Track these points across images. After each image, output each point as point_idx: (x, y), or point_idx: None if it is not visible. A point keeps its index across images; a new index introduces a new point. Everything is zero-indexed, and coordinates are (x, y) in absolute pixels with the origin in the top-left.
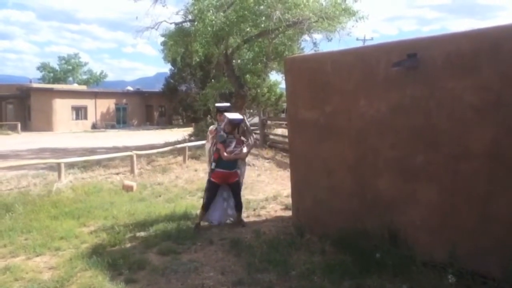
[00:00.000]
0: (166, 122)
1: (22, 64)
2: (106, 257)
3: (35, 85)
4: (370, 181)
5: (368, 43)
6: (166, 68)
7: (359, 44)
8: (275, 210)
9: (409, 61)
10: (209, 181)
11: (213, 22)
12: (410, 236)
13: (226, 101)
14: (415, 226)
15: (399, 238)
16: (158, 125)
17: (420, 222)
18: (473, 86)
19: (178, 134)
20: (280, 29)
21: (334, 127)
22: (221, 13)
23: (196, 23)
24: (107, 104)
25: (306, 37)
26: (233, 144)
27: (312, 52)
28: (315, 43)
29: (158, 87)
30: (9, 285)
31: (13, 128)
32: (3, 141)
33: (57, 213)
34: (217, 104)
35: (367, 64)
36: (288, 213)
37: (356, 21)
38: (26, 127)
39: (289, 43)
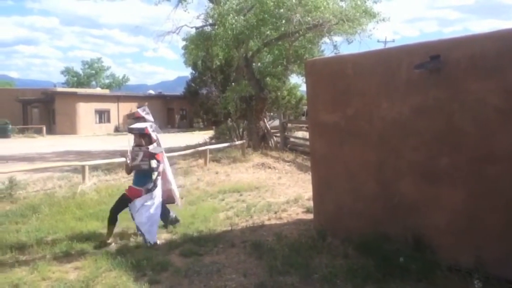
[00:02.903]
0: (187, 125)
1: (47, 68)
2: (130, 258)
3: (59, 89)
4: (392, 184)
5: (389, 45)
6: (186, 72)
7: (380, 46)
8: (296, 213)
9: (432, 63)
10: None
11: (233, 25)
12: (434, 240)
13: (247, 104)
14: (439, 230)
15: (423, 242)
16: (179, 128)
17: (445, 226)
18: (497, 88)
19: (199, 137)
20: (300, 32)
21: (356, 129)
22: (241, 17)
23: (216, 27)
24: (130, 108)
25: (326, 39)
26: (139, 157)
27: (333, 54)
28: (335, 45)
29: (179, 90)
30: (37, 285)
31: (39, 132)
32: (29, 144)
33: (82, 214)
34: (130, 126)
35: (389, 66)
36: (310, 216)
37: (377, 22)
38: (50, 131)
39: (309, 45)
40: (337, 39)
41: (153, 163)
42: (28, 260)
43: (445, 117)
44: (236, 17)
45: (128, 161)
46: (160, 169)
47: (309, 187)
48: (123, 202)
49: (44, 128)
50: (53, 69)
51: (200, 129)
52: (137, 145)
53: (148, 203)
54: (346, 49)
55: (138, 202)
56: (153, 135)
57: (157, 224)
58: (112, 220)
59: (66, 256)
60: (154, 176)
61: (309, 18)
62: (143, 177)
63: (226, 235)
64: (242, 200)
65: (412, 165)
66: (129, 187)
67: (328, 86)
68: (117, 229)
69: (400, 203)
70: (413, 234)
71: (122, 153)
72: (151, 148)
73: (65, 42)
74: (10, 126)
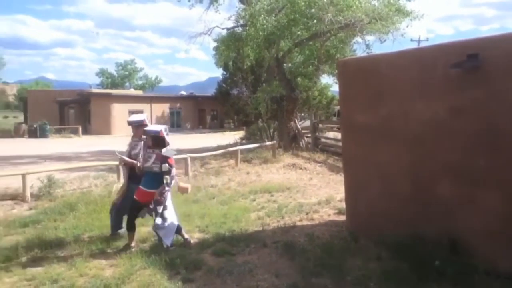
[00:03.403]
0: (218, 125)
1: (82, 70)
2: (163, 256)
3: (94, 90)
4: (427, 186)
5: (422, 44)
6: (217, 73)
7: (413, 45)
8: (328, 214)
9: (470, 62)
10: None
11: (264, 26)
12: (471, 243)
13: (278, 104)
14: (476, 233)
15: (459, 246)
16: (210, 129)
17: (482, 229)
18: None
19: (230, 137)
20: (332, 31)
21: (390, 130)
22: (272, 17)
23: (247, 27)
24: (162, 108)
25: (358, 39)
26: (151, 160)
27: (365, 54)
28: (367, 45)
29: (210, 91)
30: (75, 280)
31: (75, 132)
32: (65, 144)
33: None
34: (129, 119)
35: (424, 66)
36: (342, 217)
37: (411, 20)
38: (86, 131)
39: (341, 45)
40: (369, 38)
41: (165, 167)
42: (66, 257)
43: (483, 117)
44: (267, 18)
45: (139, 164)
46: (173, 173)
47: (341, 188)
48: (136, 207)
49: (80, 128)
50: (88, 70)
51: (231, 129)
52: (150, 147)
53: (168, 207)
54: (379, 49)
55: (159, 207)
56: (167, 138)
57: (175, 228)
58: (131, 227)
59: (102, 253)
60: (165, 180)
61: (341, 18)
62: (154, 181)
63: (257, 235)
64: (273, 200)
65: (448, 167)
66: (138, 188)
67: (361, 86)
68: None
69: (435, 205)
70: (449, 237)
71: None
72: (164, 151)
73: (99, 44)
74: (48, 127)
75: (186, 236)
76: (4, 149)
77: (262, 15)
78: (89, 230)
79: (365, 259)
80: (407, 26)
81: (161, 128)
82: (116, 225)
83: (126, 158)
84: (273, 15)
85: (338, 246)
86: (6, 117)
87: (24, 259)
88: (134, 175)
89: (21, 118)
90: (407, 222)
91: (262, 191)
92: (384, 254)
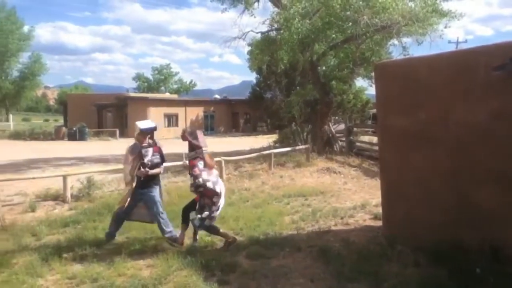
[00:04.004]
0: (251, 129)
1: (119, 74)
2: (199, 258)
3: (131, 94)
4: (468, 193)
5: (461, 46)
6: (251, 77)
7: (451, 47)
8: (363, 219)
9: None
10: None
11: (299, 29)
12: None
13: (312, 108)
14: None
15: (502, 254)
16: (243, 132)
17: None
18: None
19: (263, 141)
20: (368, 34)
21: (429, 134)
22: (307, 21)
23: (281, 31)
24: (196, 112)
25: (394, 41)
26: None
27: (401, 56)
28: (404, 47)
29: (243, 95)
30: (114, 280)
31: (112, 135)
32: (103, 146)
33: None
34: (143, 127)
35: (465, 69)
36: (378, 222)
37: (449, 20)
38: (123, 134)
39: (377, 48)
40: (406, 40)
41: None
42: (105, 256)
43: None
44: (301, 21)
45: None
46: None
47: (377, 193)
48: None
49: (117, 131)
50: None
51: (264, 133)
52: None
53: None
54: (415, 51)
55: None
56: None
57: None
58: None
59: (139, 254)
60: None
61: (376, 20)
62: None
63: (292, 239)
64: (307, 204)
65: (490, 173)
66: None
67: (399, 89)
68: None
69: (477, 212)
70: (491, 244)
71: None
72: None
73: (136, 49)
74: (87, 130)
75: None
76: (45, 151)
77: (297, 19)
78: (126, 231)
79: (402, 265)
80: (445, 27)
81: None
82: (114, 231)
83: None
84: (308, 18)
85: (374, 251)
86: (47, 120)
87: (65, 257)
88: (142, 181)
89: (61, 121)
90: (446, 229)
91: (296, 194)
92: (422, 261)
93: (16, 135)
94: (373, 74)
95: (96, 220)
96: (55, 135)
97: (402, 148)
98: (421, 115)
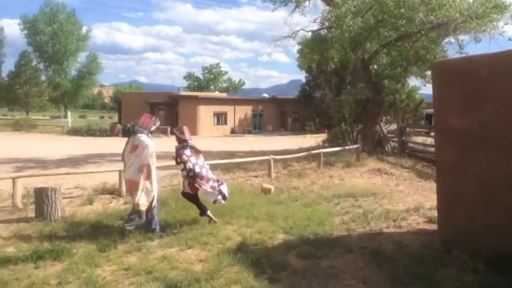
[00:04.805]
0: (299, 128)
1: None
2: (250, 255)
3: (182, 93)
4: None
5: None
6: (299, 75)
7: None
8: (417, 222)
9: None
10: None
11: (351, 27)
12: None
13: (363, 107)
14: None
15: None
16: (291, 131)
17: None
18: None
19: (311, 140)
20: (422, 31)
21: (491, 136)
22: (359, 18)
23: (333, 29)
24: (245, 111)
25: (450, 39)
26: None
27: (457, 55)
28: (461, 45)
29: (291, 93)
30: (167, 273)
31: (164, 132)
32: (155, 143)
33: None
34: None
35: None
36: (432, 226)
37: (511, 16)
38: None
39: (432, 46)
40: (463, 38)
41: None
42: (159, 250)
43: None
44: (353, 19)
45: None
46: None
47: (431, 196)
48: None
49: (169, 129)
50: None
51: (312, 132)
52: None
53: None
54: (473, 49)
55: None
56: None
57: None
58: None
59: (191, 249)
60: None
61: (432, 17)
62: None
63: (343, 240)
64: (357, 205)
65: None
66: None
67: (458, 89)
68: (236, 225)
69: None
70: None
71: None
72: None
73: (186, 49)
74: None
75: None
76: (101, 147)
77: (349, 17)
78: (179, 225)
79: (459, 271)
80: (506, 24)
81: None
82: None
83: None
84: (360, 16)
85: (429, 256)
86: (102, 117)
87: (120, 249)
88: None
89: (115, 118)
90: (509, 234)
91: (346, 195)
92: (480, 267)
93: (74, 132)
94: (427, 73)
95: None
96: (110, 132)
97: (461, 150)
98: (483, 115)
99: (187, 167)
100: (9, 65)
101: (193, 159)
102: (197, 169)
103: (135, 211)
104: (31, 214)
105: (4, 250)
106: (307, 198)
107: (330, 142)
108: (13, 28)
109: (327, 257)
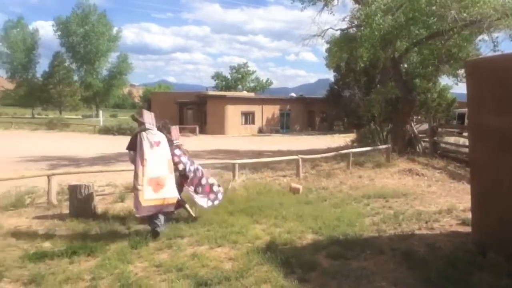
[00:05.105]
0: (327, 127)
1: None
2: (279, 254)
3: (210, 92)
4: None
5: None
6: (327, 74)
7: None
8: (450, 224)
9: None
10: None
11: (381, 26)
12: None
13: (393, 107)
14: None
15: None
16: (319, 131)
17: None
18: None
19: (339, 140)
20: (455, 29)
21: None
22: (389, 16)
23: (362, 28)
24: (272, 110)
25: (484, 36)
26: None
27: (491, 53)
28: (495, 43)
29: (319, 93)
30: (197, 270)
31: (192, 131)
32: (184, 142)
33: (233, 209)
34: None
35: None
36: (466, 228)
37: None
38: (202, 130)
39: (464, 44)
40: (498, 35)
41: None
42: (189, 247)
43: None
44: (383, 17)
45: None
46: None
47: (464, 197)
48: None
49: (197, 128)
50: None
51: (340, 132)
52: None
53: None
54: (508, 47)
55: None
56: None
57: None
58: None
59: (220, 247)
60: None
61: (465, 15)
62: None
63: (373, 241)
64: (388, 206)
65: None
66: None
67: (494, 87)
68: (265, 224)
69: None
70: None
71: None
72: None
73: (214, 49)
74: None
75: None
76: None
77: (379, 15)
78: (208, 223)
79: (495, 275)
80: None
81: None
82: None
83: None
84: (390, 14)
85: (463, 258)
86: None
87: (151, 246)
88: None
89: None
90: None
91: (376, 196)
92: None
93: (105, 130)
94: (459, 71)
95: (180, 211)
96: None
97: (497, 150)
98: None
99: (180, 167)
100: (44, 65)
101: (184, 159)
102: (187, 168)
103: (170, 204)
104: (65, 210)
105: (41, 245)
106: (336, 198)
107: (359, 142)
108: (47, 30)
109: (357, 258)
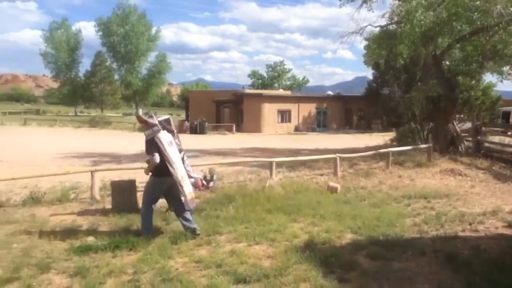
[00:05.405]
0: (365, 126)
1: (235, 72)
2: (318, 253)
3: (247, 91)
4: None
5: None
6: (365, 72)
7: None
8: (495, 226)
9: None
10: None
11: (422, 22)
12: None
13: (434, 105)
14: None
15: None
16: (357, 129)
17: None
18: None
19: (378, 138)
20: (500, 25)
21: None
22: (431, 12)
23: (402, 24)
24: (309, 108)
25: None
26: None
27: None
28: None
29: (356, 91)
30: (236, 267)
31: (229, 129)
32: (221, 140)
33: (270, 207)
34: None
35: None
36: None
37: None
38: (239, 128)
39: (510, 39)
40: None
41: None
42: (227, 244)
43: None
44: (424, 13)
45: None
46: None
47: (510, 199)
48: None
49: (234, 126)
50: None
51: (379, 130)
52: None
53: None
54: None
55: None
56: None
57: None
58: None
59: (259, 244)
60: None
61: (511, 9)
62: None
63: (415, 242)
64: (430, 207)
65: None
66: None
67: None
68: (303, 223)
69: None
70: None
71: None
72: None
73: (251, 47)
74: (207, 124)
75: None
76: None
77: (419, 11)
78: (246, 221)
79: None
80: None
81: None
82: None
83: None
84: (432, 10)
85: (509, 262)
86: (170, 114)
87: (191, 242)
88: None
89: (183, 115)
90: None
91: (417, 196)
92: None
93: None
94: (505, 68)
95: (217, 209)
96: (178, 129)
97: None
98: None
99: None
100: (86, 65)
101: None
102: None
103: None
104: (108, 205)
105: (85, 239)
106: (375, 198)
107: (398, 141)
108: (89, 30)
109: (398, 259)
